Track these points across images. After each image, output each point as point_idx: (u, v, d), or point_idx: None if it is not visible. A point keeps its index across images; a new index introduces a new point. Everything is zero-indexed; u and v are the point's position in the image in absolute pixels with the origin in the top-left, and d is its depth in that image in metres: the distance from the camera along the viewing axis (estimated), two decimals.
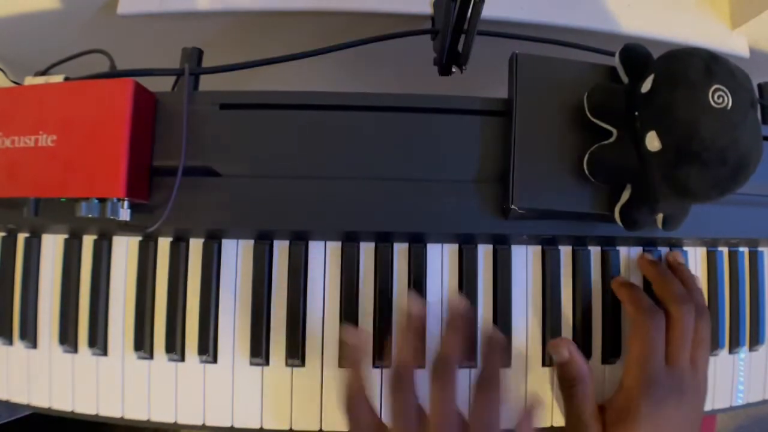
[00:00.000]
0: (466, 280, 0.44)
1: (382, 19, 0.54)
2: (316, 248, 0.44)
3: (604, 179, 0.39)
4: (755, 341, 0.49)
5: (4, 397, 0.45)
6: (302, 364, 0.43)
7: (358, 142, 0.42)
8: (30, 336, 0.44)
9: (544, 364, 0.45)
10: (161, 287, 0.44)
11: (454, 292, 0.44)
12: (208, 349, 0.43)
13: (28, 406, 0.45)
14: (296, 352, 0.43)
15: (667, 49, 0.38)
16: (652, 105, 0.36)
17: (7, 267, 0.45)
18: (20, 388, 0.45)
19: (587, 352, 0.45)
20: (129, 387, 0.44)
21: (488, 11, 0.40)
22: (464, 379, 0.44)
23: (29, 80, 0.40)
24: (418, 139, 0.42)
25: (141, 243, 0.44)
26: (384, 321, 0.43)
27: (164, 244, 0.44)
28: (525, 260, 0.45)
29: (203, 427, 0.43)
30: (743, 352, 0.49)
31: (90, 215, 0.37)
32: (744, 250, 0.50)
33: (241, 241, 0.44)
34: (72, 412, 0.44)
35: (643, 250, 0.47)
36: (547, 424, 0.45)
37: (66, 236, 0.45)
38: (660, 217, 0.41)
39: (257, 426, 0.43)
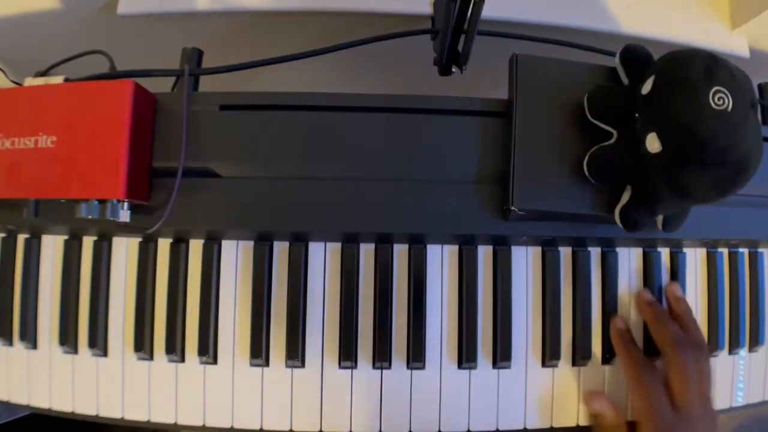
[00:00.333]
0: (466, 281, 0.44)
1: (382, 19, 0.54)
2: (316, 249, 0.44)
3: (604, 180, 0.39)
4: (755, 342, 0.49)
5: (4, 397, 0.45)
6: (302, 365, 0.43)
7: (358, 142, 0.42)
8: (30, 337, 0.44)
9: (543, 365, 0.45)
10: (161, 288, 0.44)
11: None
12: (208, 350, 0.43)
13: (28, 407, 0.45)
14: (296, 354, 0.43)
15: (667, 49, 0.37)
16: (653, 106, 0.36)
17: (7, 268, 0.45)
18: (20, 389, 0.45)
19: (587, 353, 0.45)
20: (129, 388, 0.44)
21: (488, 11, 0.40)
22: (464, 379, 0.44)
23: (29, 81, 0.40)
24: (418, 139, 0.42)
25: (141, 244, 0.44)
26: (384, 322, 0.43)
27: (164, 245, 0.44)
28: (525, 261, 0.45)
29: (203, 427, 0.43)
30: (743, 353, 0.49)
31: (90, 216, 0.37)
32: (744, 251, 0.50)
33: (241, 242, 0.44)
34: (72, 413, 0.44)
35: (672, 252, 0.48)
36: (547, 425, 0.45)
37: (66, 237, 0.45)
38: (660, 218, 0.41)
39: (257, 427, 0.43)
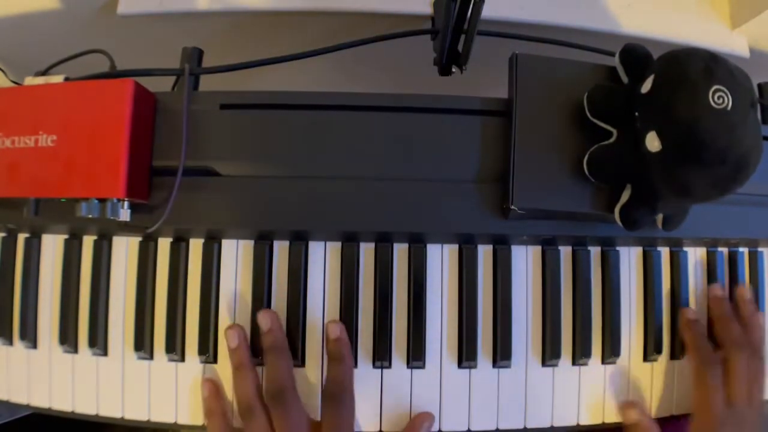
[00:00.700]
0: (466, 280, 0.44)
1: (382, 19, 0.54)
2: (316, 248, 0.44)
3: (604, 179, 0.39)
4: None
5: (4, 397, 0.45)
6: (302, 364, 0.43)
7: (358, 142, 0.42)
8: (30, 336, 0.44)
9: (543, 364, 0.45)
10: (161, 288, 0.44)
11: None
12: (208, 349, 0.43)
13: (28, 407, 0.45)
14: (296, 353, 0.43)
15: (667, 49, 0.38)
16: (652, 105, 0.36)
17: (7, 267, 0.45)
18: (20, 388, 0.45)
19: (587, 352, 0.45)
20: (129, 387, 0.44)
21: (488, 11, 0.40)
22: (464, 378, 0.44)
23: (29, 80, 0.40)
24: (418, 139, 0.42)
25: (141, 243, 0.44)
26: (384, 321, 0.43)
27: (164, 244, 0.44)
28: (525, 260, 0.45)
29: (203, 427, 0.43)
30: None
31: (90, 215, 0.37)
32: (744, 250, 0.50)
33: (241, 241, 0.44)
34: (72, 413, 0.44)
35: (672, 252, 0.48)
36: (547, 425, 0.45)
37: (66, 236, 0.45)
38: (660, 217, 0.41)
39: None
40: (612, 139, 0.38)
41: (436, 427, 0.43)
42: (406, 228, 0.42)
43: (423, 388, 0.44)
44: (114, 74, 0.41)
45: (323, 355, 0.43)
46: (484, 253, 0.45)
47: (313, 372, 0.43)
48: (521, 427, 0.44)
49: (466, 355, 0.43)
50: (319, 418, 0.43)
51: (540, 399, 0.45)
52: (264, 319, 0.42)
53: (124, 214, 0.38)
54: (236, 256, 0.44)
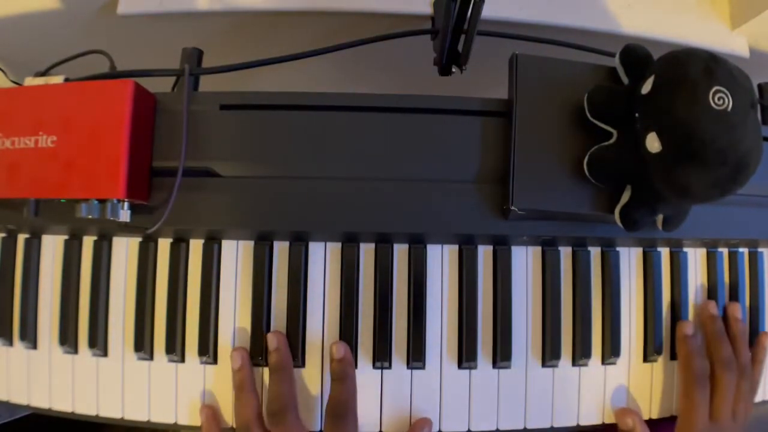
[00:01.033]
0: (466, 281, 0.44)
1: (382, 19, 0.54)
2: (316, 249, 0.44)
3: (604, 180, 0.39)
4: (755, 341, 0.49)
5: (4, 397, 0.45)
6: (302, 365, 0.43)
7: (357, 142, 0.42)
8: (30, 337, 0.44)
9: (543, 365, 0.45)
10: (161, 288, 0.44)
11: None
12: (208, 350, 0.43)
13: (28, 407, 0.45)
14: (296, 353, 0.43)
15: (667, 49, 0.37)
16: (653, 106, 0.36)
17: (7, 267, 0.45)
18: (20, 389, 0.45)
19: (587, 353, 0.45)
20: (129, 388, 0.44)
21: (488, 11, 0.40)
22: (464, 379, 0.44)
23: (29, 80, 0.40)
24: (418, 139, 0.42)
25: (141, 244, 0.44)
26: (384, 322, 0.43)
27: (164, 244, 0.44)
28: (525, 261, 0.45)
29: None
30: None
31: (90, 216, 0.37)
32: (744, 250, 0.50)
33: (241, 242, 0.44)
34: (72, 413, 0.44)
35: (672, 252, 0.48)
36: (547, 425, 0.45)
37: (66, 237, 0.45)
38: (660, 218, 0.41)
39: None
40: (612, 140, 0.38)
41: (436, 427, 0.43)
42: (406, 228, 0.42)
43: (423, 388, 0.44)
44: (114, 75, 0.41)
45: (323, 356, 0.43)
46: (484, 253, 0.45)
47: (313, 373, 0.43)
48: (521, 427, 0.44)
49: (466, 356, 0.43)
50: (321, 424, 0.43)
51: (540, 399, 0.45)
52: (273, 339, 0.42)
53: (124, 215, 0.38)
54: (236, 257, 0.44)
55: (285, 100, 0.42)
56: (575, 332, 0.45)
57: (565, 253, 0.46)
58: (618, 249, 0.47)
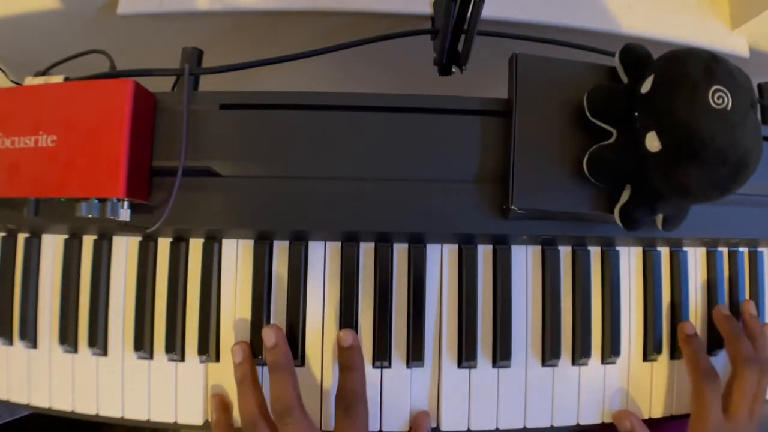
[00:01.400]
0: (466, 280, 0.44)
1: (382, 19, 0.54)
2: (316, 248, 0.44)
3: (604, 180, 0.39)
4: None
5: (4, 397, 0.45)
6: (302, 364, 0.43)
7: (357, 142, 0.42)
8: (30, 336, 0.44)
9: (543, 364, 0.45)
10: (161, 287, 0.44)
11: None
12: (208, 349, 0.43)
13: (28, 407, 0.45)
14: (296, 353, 0.43)
15: (667, 49, 0.38)
16: (652, 105, 0.36)
17: (7, 267, 0.45)
18: (20, 388, 0.45)
19: (587, 352, 0.45)
20: (129, 387, 0.44)
21: (488, 11, 0.40)
22: (464, 378, 0.44)
23: (29, 80, 0.40)
24: (417, 139, 0.42)
25: (141, 243, 0.44)
26: (384, 321, 0.43)
27: (164, 244, 0.44)
28: (525, 260, 0.45)
29: (203, 426, 0.43)
30: None
31: (90, 215, 0.37)
32: (744, 250, 0.50)
33: (241, 241, 0.44)
34: (72, 412, 0.44)
35: (672, 252, 0.47)
36: (547, 424, 0.45)
37: (66, 236, 0.45)
38: (660, 217, 0.41)
39: None
40: (612, 140, 0.38)
41: (435, 426, 0.44)
42: (406, 228, 0.42)
43: (423, 388, 0.44)
44: (114, 74, 0.41)
45: (323, 355, 0.44)
46: (484, 253, 0.45)
47: (313, 372, 0.43)
48: (521, 427, 0.44)
49: (465, 355, 0.43)
50: (322, 424, 0.43)
51: (540, 399, 0.45)
52: (269, 334, 0.41)
53: (124, 214, 0.38)
54: (236, 256, 0.44)
55: (285, 99, 0.42)
56: (575, 332, 0.45)
57: (565, 252, 0.46)
58: (618, 248, 0.47)
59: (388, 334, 0.44)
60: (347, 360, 0.42)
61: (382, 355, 0.43)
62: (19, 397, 0.45)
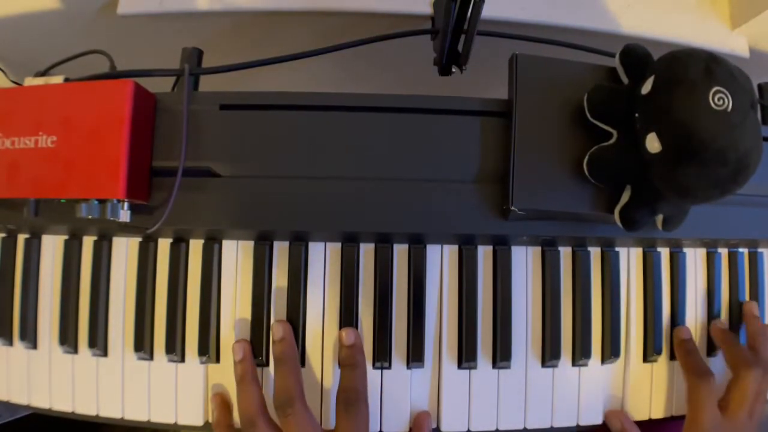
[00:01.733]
0: (466, 281, 0.44)
1: (382, 19, 0.54)
2: (316, 249, 0.44)
3: (604, 180, 0.39)
4: None
5: (4, 397, 0.45)
6: (302, 365, 0.43)
7: (357, 142, 0.42)
8: (30, 336, 0.44)
9: (543, 365, 0.45)
10: (161, 288, 0.44)
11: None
12: (208, 349, 0.43)
13: (28, 407, 0.45)
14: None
15: (667, 49, 0.37)
16: (653, 106, 0.36)
17: (7, 267, 0.45)
18: (20, 389, 0.45)
19: (587, 353, 0.45)
20: (129, 388, 0.44)
21: (488, 11, 0.40)
22: (464, 379, 0.44)
23: (29, 80, 0.40)
24: (417, 139, 0.42)
25: (141, 244, 0.44)
26: (384, 322, 0.43)
27: (164, 244, 0.44)
28: (525, 261, 0.45)
29: (203, 427, 0.43)
30: None
31: (90, 216, 0.37)
32: (743, 251, 0.50)
33: (241, 242, 0.44)
34: (72, 413, 0.44)
35: (671, 252, 0.47)
36: (547, 425, 0.45)
37: (66, 237, 0.45)
38: (660, 218, 0.41)
39: None
40: (612, 140, 0.38)
41: (434, 425, 0.44)
42: (406, 229, 0.42)
43: (423, 388, 0.44)
44: (114, 75, 0.41)
45: (323, 355, 0.44)
46: (484, 253, 0.45)
47: (314, 373, 0.43)
48: (521, 427, 0.44)
49: (465, 356, 0.43)
50: (323, 424, 0.43)
51: (540, 399, 0.45)
52: (278, 328, 0.42)
53: (124, 215, 0.38)
54: (236, 257, 0.44)
55: (285, 100, 0.42)
56: (575, 332, 0.45)
57: (565, 253, 0.46)
58: (618, 249, 0.47)
59: (388, 334, 0.44)
60: (349, 358, 0.42)
61: (382, 355, 0.43)
62: (20, 397, 0.45)
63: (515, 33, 0.49)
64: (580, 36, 0.53)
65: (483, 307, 0.45)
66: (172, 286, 0.43)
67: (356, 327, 0.43)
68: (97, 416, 0.44)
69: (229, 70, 0.43)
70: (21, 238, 0.45)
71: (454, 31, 0.44)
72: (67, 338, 0.44)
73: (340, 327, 0.43)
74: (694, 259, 0.49)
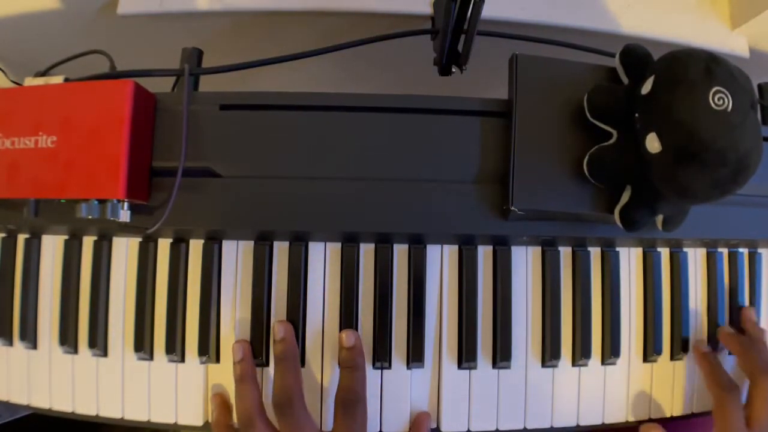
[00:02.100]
0: (466, 281, 0.44)
1: (382, 19, 0.54)
2: (316, 249, 0.44)
3: (604, 180, 0.39)
4: None
5: (4, 397, 0.45)
6: (302, 364, 0.43)
7: (357, 142, 0.42)
8: (30, 337, 0.44)
9: (543, 365, 0.45)
10: (161, 288, 0.44)
11: None
12: (208, 350, 0.43)
13: (28, 407, 0.45)
14: None
15: (667, 49, 0.37)
16: (653, 106, 0.36)
17: (7, 267, 0.45)
18: (20, 389, 0.45)
19: (587, 353, 0.45)
20: (129, 388, 0.44)
21: (488, 11, 0.40)
22: (464, 379, 0.44)
23: (29, 81, 0.40)
24: (418, 139, 0.42)
25: (141, 244, 0.44)
26: (384, 322, 0.43)
27: (164, 245, 0.44)
28: (525, 261, 0.45)
29: (203, 427, 0.43)
30: None
31: (90, 216, 0.37)
32: (743, 251, 0.50)
33: (241, 242, 0.44)
34: (72, 413, 0.44)
35: (672, 252, 0.47)
36: (547, 425, 0.45)
37: (66, 237, 0.45)
38: (660, 218, 0.41)
39: None
40: (612, 140, 0.38)
41: (434, 425, 0.44)
42: (406, 229, 0.42)
43: (423, 388, 0.44)
44: (114, 75, 0.41)
45: (323, 355, 0.44)
46: (484, 253, 0.45)
47: (313, 373, 0.43)
48: (521, 427, 0.44)
49: (466, 356, 0.43)
50: (322, 425, 0.43)
51: (540, 400, 0.45)
52: (280, 328, 0.42)
53: (124, 215, 0.38)
54: (236, 257, 0.44)
55: (285, 100, 0.42)
56: (575, 332, 0.45)
57: (565, 253, 0.46)
58: (618, 249, 0.47)
59: (388, 334, 0.44)
60: (348, 360, 0.42)
61: (382, 355, 0.43)
62: (19, 397, 0.45)
63: (515, 33, 0.49)
64: (580, 36, 0.53)
65: (483, 307, 0.45)
66: (172, 286, 0.43)
67: (356, 327, 0.43)
68: (97, 416, 0.44)
69: (229, 70, 0.43)
70: (21, 238, 0.45)
71: (454, 31, 0.44)
72: (67, 338, 0.44)
73: (341, 327, 0.43)
74: (695, 259, 0.49)
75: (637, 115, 0.37)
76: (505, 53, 0.42)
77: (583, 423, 0.45)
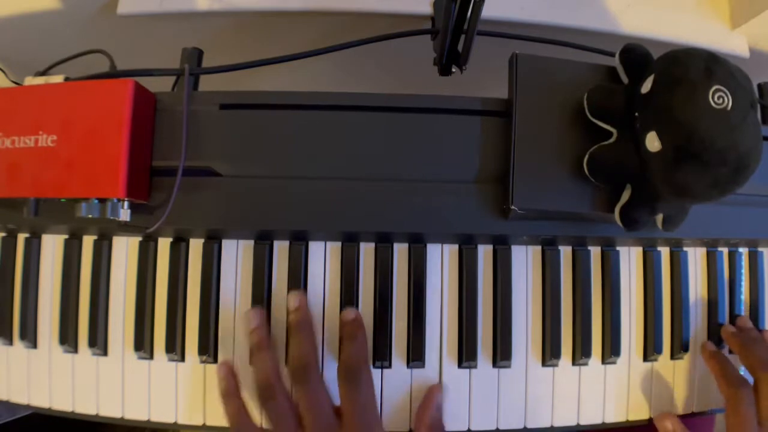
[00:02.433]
0: (467, 280, 0.44)
1: (382, 19, 0.54)
2: (316, 248, 0.44)
3: (604, 180, 0.39)
4: None
5: (4, 397, 0.45)
6: None
7: (358, 142, 0.42)
8: (30, 336, 0.44)
9: (544, 364, 0.45)
10: (161, 288, 0.44)
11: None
12: (209, 349, 0.43)
13: (28, 407, 0.45)
14: None
15: (667, 49, 0.38)
16: (652, 106, 0.36)
17: (7, 267, 0.45)
18: (20, 388, 0.45)
19: (587, 352, 0.45)
20: (129, 387, 0.44)
21: (488, 11, 0.40)
22: (464, 378, 0.44)
23: (29, 80, 0.40)
24: (418, 139, 0.42)
25: (141, 243, 0.44)
26: (384, 321, 0.43)
27: (164, 244, 0.44)
28: (525, 260, 0.45)
29: (203, 427, 0.43)
30: None
31: (90, 215, 0.37)
32: (744, 250, 0.50)
33: (241, 242, 0.44)
34: (72, 413, 0.44)
35: (672, 252, 0.47)
36: (547, 425, 0.45)
37: (66, 236, 0.45)
38: (660, 217, 0.41)
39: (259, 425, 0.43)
40: (612, 140, 0.38)
41: None
42: (406, 228, 0.42)
43: (423, 388, 0.44)
44: (114, 74, 0.41)
45: (323, 354, 0.43)
46: (484, 253, 0.45)
47: None
48: (521, 427, 0.44)
49: (466, 355, 0.43)
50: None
51: (540, 399, 0.45)
52: (294, 299, 0.42)
53: (124, 214, 0.38)
54: (236, 256, 0.44)
55: (285, 99, 0.42)
56: (575, 332, 0.45)
57: (565, 252, 0.46)
58: (618, 249, 0.47)
59: (389, 334, 0.44)
60: (349, 332, 0.42)
61: (382, 354, 0.43)
62: (19, 397, 0.45)
63: (515, 33, 0.49)
64: (580, 36, 0.53)
65: (483, 306, 0.45)
66: (172, 285, 0.43)
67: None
68: (97, 416, 0.44)
69: (229, 70, 0.43)
70: (21, 237, 0.45)
71: (454, 31, 0.44)
72: (67, 338, 0.44)
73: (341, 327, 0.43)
74: (695, 258, 0.49)
75: (636, 114, 0.37)
76: (505, 53, 0.42)
77: (583, 422, 0.45)
